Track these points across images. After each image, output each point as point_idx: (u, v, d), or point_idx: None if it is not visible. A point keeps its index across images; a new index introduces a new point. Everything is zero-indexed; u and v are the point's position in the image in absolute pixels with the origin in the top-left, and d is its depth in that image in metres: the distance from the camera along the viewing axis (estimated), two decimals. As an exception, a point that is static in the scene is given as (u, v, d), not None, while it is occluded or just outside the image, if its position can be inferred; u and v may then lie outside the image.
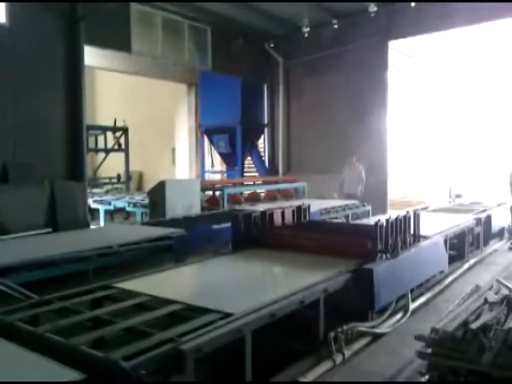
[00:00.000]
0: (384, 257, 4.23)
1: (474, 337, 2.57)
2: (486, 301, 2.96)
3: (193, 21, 10.92)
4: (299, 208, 5.69)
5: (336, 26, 11.76)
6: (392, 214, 9.86)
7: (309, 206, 5.89)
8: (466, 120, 16.55)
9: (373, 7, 11.06)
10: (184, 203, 7.43)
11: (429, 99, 17.02)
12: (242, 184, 9.79)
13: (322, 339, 3.37)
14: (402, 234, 4.59)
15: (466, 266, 6.36)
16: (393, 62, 15.82)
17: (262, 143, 13.97)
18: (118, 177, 14.07)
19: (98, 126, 14.14)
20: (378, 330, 3.83)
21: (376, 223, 4.22)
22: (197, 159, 13.64)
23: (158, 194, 7.15)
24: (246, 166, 13.67)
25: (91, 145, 14.25)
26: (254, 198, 9.41)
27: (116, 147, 14.00)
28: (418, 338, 2.91)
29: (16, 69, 7.53)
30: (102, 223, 10.15)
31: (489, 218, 7.63)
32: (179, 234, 5.17)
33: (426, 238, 5.11)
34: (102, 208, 10.22)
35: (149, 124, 16.16)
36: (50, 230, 6.35)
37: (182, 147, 14.28)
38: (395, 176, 17.87)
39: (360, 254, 4.22)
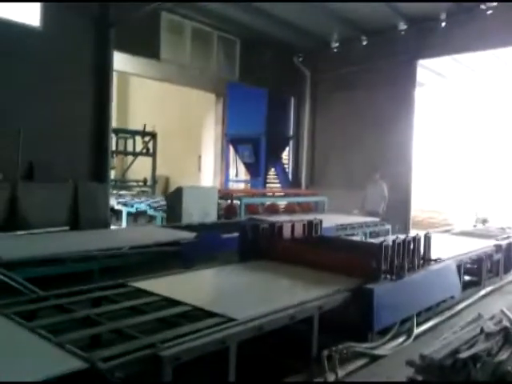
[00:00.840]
0: (388, 278, 4.16)
1: (464, 366, 2.50)
2: (482, 330, 2.88)
3: (222, 32, 11.09)
4: (310, 222, 5.67)
5: (365, 43, 11.72)
6: (412, 234, 9.81)
7: (321, 221, 5.84)
8: (497, 142, 16.24)
9: (402, 25, 11.00)
10: (200, 210, 7.51)
11: (459, 119, 16.82)
12: (260, 195, 9.81)
13: (315, 357, 3.33)
14: (410, 255, 4.51)
15: (482, 292, 6.17)
16: (424, 80, 15.76)
17: (287, 156, 13.99)
18: (145, 180, 14.34)
19: (128, 130, 14.47)
20: (375, 352, 3.76)
21: (381, 243, 4.16)
22: (222, 167, 13.77)
23: (175, 199, 7.26)
24: (269, 177, 13.70)
25: (121, 148, 14.64)
26: (273, 210, 9.41)
27: (144, 151, 14.28)
28: (409, 363, 2.86)
29: (46, 71, 7.80)
30: (124, 224, 10.35)
31: (510, 245, 7.39)
32: (188, 240, 5.22)
33: (437, 261, 5.00)
34: (124, 210, 10.42)
35: (178, 131, 16.43)
36: (67, 228, 6.51)
37: (208, 155, 14.46)
38: (424, 195, 17.73)
39: (364, 273, 4.16)
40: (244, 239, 5.02)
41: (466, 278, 6.78)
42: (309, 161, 13.30)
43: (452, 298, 5.16)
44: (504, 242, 7.28)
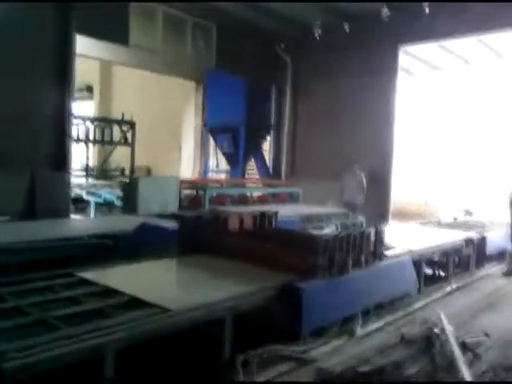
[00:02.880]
0: (328, 274, 3.83)
1: (367, 380, 2.18)
2: (402, 338, 2.56)
3: (197, 17, 10.66)
4: (263, 214, 5.33)
5: (347, 30, 11.30)
6: (389, 226, 9.48)
7: (275, 213, 5.52)
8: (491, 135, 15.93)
9: (386, 11, 10.57)
10: (160, 201, 7.17)
11: (453, 110, 16.52)
12: (231, 185, 9.47)
13: (228, 361, 3.02)
14: (357, 250, 4.18)
15: (448, 289, 5.85)
16: (415, 70, 15.38)
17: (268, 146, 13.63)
18: (122, 170, 13.98)
19: (105, 119, 14.09)
20: (304, 356, 3.44)
21: (319, 238, 3.83)
22: (201, 158, 13.43)
23: (131, 190, 6.92)
24: (250, 168, 13.35)
25: (104, 138, 14.22)
26: (243, 201, 9.08)
27: (123, 141, 13.90)
28: (318, 372, 2.54)
29: (1, 54, 7.42)
30: (92, 215, 10.05)
31: (483, 239, 7.06)
32: (126, 232, 4.89)
33: (389, 257, 4.67)
34: (92, 200, 10.10)
35: (160, 120, 16.07)
36: (7, 218, 6.17)
37: (188, 145, 14.11)
38: (415, 187, 17.44)
39: (301, 269, 3.83)
40: (183, 232, 4.70)
41: (436, 273, 6.50)
42: (289, 151, 12.93)
43: (408, 295, 4.84)
44: (476, 236, 6.95)
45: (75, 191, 10.57)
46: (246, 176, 13.04)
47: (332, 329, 3.87)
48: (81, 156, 13.89)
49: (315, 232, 4.08)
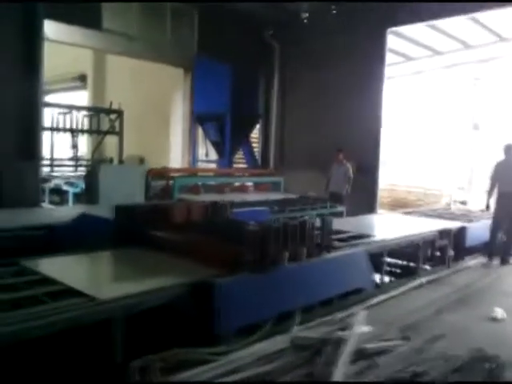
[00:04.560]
0: (258, 268, 3.52)
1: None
2: (292, 343, 2.24)
3: (176, 2, 10.26)
4: (214, 204, 5.03)
5: (334, 12, 10.85)
6: (377, 216, 9.12)
7: (230, 203, 5.22)
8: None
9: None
10: (125, 191, 6.89)
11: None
12: (208, 175, 9.18)
13: (121, 367, 2.73)
14: (297, 241, 3.85)
15: (416, 284, 5.48)
16: (415, 54, 14.86)
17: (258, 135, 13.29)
18: (110, 160, 13.73)
19: (91, 108, 13.84)
20: (216, 358, 3.12)
21: (248, 229, 3.51)
22: (189, 147, 13.16)
23: (92, 179, 6.66)
24: (238, 157, 13.04)
25: (94, 126, 13.99)
26: (219, 190, 8.77)
27: (111, 130, 13.64)
28: None
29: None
30: (70, 205, 9.86)
31: (463, 229, 6.66)
32: (65, 224, 4.62)
33: (337, 248, 4.33)
34: (71, 190, 9.90)
35: (151, 109, 15.79)
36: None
37: (177, 133, 13.84)
38: (416, 175, 17.09)
39: (228, 262, 3.52)
40: (120, 223, 4.41)
41: (408, 266, 6.14)
42: (278, 141, 12.55)
43: (361, 290, 4.50)
44: (454, 226, 6.56)
45: (55, 182, 10.40)
46: (235, 166, 12.75)
47: (264, 327, 3.57)
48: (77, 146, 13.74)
49: (253, 223, 3.74)
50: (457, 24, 11.19)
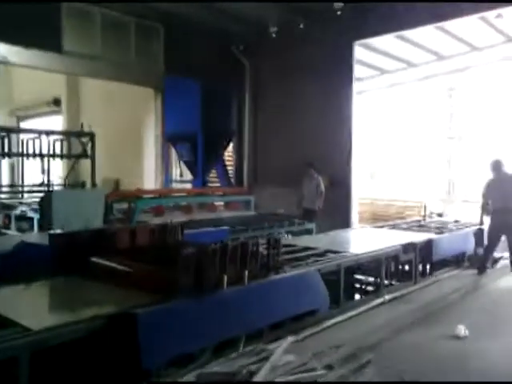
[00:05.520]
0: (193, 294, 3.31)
1: None
2: (198, 380, 2.03)
3: (141, 19, 10.15)
4: (164, 227, 4.83)
5: (302, 26, 10.83)
6: (346, 231, 8.95)
7: (181, 225, 5.03)
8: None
9: (338, 5, 10.09)
10: (83, 215, 6.67)
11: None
12: (175, 195, 8.99)
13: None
14: (238, 264, 3.66)
15: (377, 302, 5.28)
16: (389, 67, 14.90)
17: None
18: (83, 184, 13.47)
19: (61, 132, 13.59)
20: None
21: (182, 252, 3.32)
22: (161, 168, 12.99)
23: (46, 204, 6.44)
24: (213, 175, 12.89)
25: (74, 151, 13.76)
26: (186, 211, 8.57)
27: (82, 153, 13.40)
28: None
29: None
30: (35, 231, 9.57)
31: (430, 242, 6.49)
32: (5, 252, 4.40)
33: (285, 270, 4.14)
34: (35, 217, 9.62)
35: (125, 131, 15.62)
36: None
37: (150, 155, 13.68)
38: (398, 189, 17.05)
39: (163, 289, 3.32)
40: (58, 251, 4.19)
41: (372, 283, 5.96)
42: (251, 158, 12.42)
43: (314, 312, 4.29)
44: (420, 240, 6.40)
45: (21, 208, 10.12)
46: (210, 185, 12.59)
47: (204, 355, 3.35)
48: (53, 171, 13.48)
49: (192, 245, 3.55)
50: (428, 35, 11.24)
